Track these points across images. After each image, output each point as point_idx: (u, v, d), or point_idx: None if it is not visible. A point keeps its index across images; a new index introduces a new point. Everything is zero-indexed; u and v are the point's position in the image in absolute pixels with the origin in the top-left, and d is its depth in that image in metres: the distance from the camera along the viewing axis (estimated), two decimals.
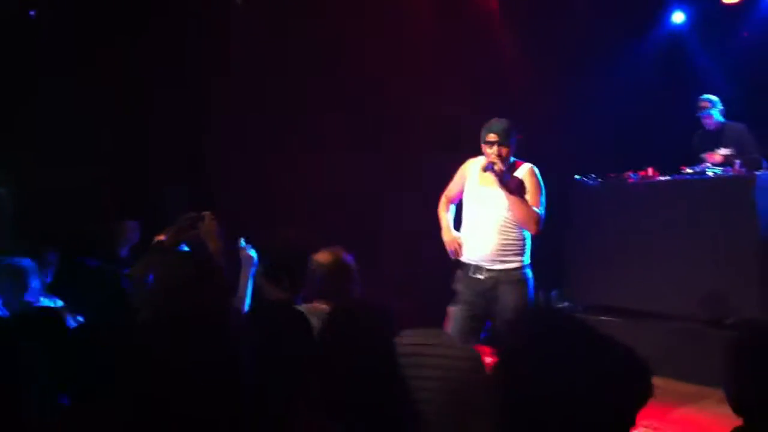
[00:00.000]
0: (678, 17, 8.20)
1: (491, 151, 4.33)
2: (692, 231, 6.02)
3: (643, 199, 6.52)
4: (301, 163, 7.10)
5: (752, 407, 1.93)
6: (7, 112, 6.47)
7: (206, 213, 3.42)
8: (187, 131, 7.10)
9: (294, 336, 2.05)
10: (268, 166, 7.11)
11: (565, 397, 1.26)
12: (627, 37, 7.95)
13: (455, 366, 2.49)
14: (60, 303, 4.25)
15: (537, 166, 4.46)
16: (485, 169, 4.32)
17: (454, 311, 4.44)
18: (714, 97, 6.60)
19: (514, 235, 4.38)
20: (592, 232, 6.79)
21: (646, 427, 4.52)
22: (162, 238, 3.48)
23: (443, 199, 4.68)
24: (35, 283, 4.12)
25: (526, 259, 4.44)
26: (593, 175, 6.92)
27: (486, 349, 2.80)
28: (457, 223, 4.64)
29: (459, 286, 4.48)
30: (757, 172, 5.93)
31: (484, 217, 4.42)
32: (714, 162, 6.39)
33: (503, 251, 4.38)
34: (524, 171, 4.40)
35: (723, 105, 6.60)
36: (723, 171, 6.15)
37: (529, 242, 4.44)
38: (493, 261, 4.38)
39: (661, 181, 6.46)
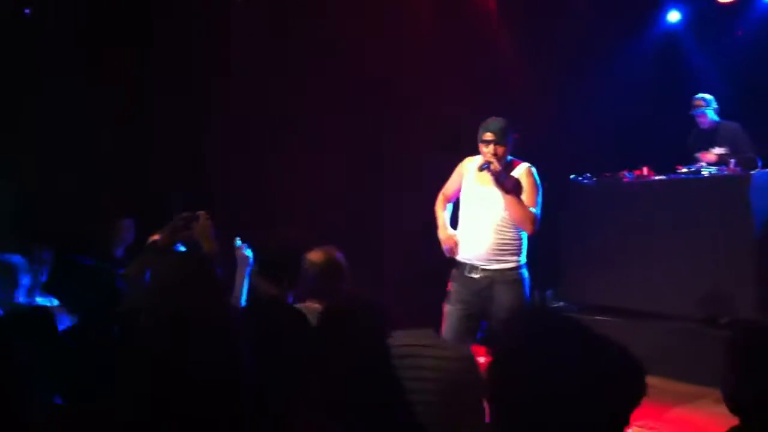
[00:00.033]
0: (673, 16, 8.21)
1: (487, 150, 4.32)
2: (688, 230, 6.03)
3: (638, 198, 6.53)
4: (301, 163, 7.11)
5: (749, 407, 1.93)
6: (6, 111, 6.47)
7: (201, 213, 3.40)
8: (187, 131, 7.11)
9: (292, 333, 2.05)
10: (268, 166, 7.13)
11: (559, 397, 1.25)
12: (622, 36, 7.96)
13: (447, 366, 2.49)
14: (56, 302, 4.23)
15: (533, 166, 4.46)
16: (481, 168, 4.30)
17: (449, 310, 4.43)
18: (709, 96, 6.61)
19: (510, 234, 4.37)
20: (588, 232, 6.79)
21: (641, 426, 4.53)
22: (156, 237, 3.48)
23: (440, 197, 4.67)
24: (25, 281, 4.11)
25: (522, 258, 4.42)
26: (588, 175, 6.92)
27: (482, 348, 2.80)
28: (455, 222, 4.63)
29: (454, 285, 4.47)
30: (752, 172, 5.94)
31: (480, 216, 4.41)
32: (708, 161, 6.40)
33: (499, 251, 4.37)
34: (521, 170, 4.39)
35: (718, 104, 6.61)
36: (718, 170, 6.15)
37: (525, 242, 4.43)
38: (489, 261, 4.37)
39: (657, 180, 6.47)
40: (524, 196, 4.33)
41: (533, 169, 4.43)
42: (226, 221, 3.56)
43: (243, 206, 6.67)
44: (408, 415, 2.13)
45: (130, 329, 2.38)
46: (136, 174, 6.96)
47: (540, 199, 4.38)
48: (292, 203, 6.92)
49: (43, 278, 5.24)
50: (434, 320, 4.35)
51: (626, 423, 1.31)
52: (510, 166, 4.40)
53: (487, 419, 1.63)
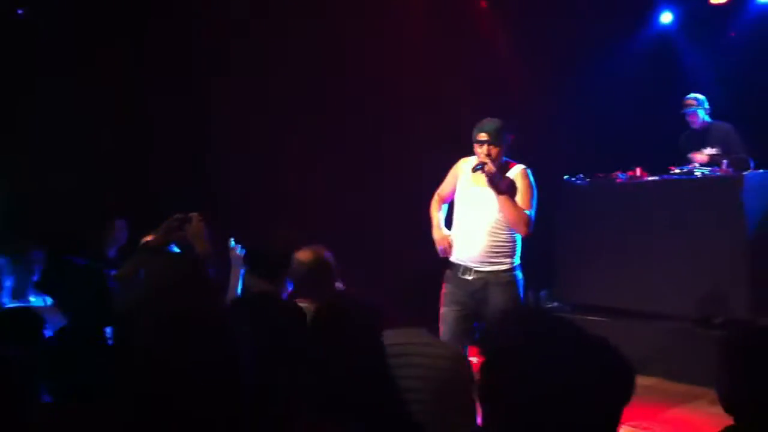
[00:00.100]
0: (666, 17, 8.23)
1: (481, 151, 4.30)
2: (681, 231, 6.04)
3: (631, 199, 6.54)
4: (300, 163, 7.11)
5: (744, 406, 1.93)
6: (3, 111, 6.45)
7: (193, 214, 3.40)
8: (186, 131, 7.11)
9: (289, 327, 2.05)
10: (267, 166, 7.12)
11: (551, 398, 1.25)
12: (615, 37, 7.97)
13: (439, 365, 2.49)
14: (50, 301, 4.22)
15: (527, 166, 4.44)
16: (475, 169, 4.28)
17: (445, 312, 4.39)
18: (701, 96, 6.62)
19: (504, 236, 4.35)
20: (581, 232, 6.80)
21: (636, 427, 4.53)
22: (150, 238, 3.47)
23: (435, 198, 4.64)
24: (7, 283, 4.10)
25: (516, 260, 4.40)
26: (582, 175, 6.92)
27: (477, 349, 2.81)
28: (451, 223, 4.62)
29: (448, 287, 4.44)
30: (745, 173, 5.95)
31: (474, 217, 4.39)
32: (700, 162, 6.41)
33: (493, 253, 4.35)
34: (516, 172, 4.38)
35: (711, 105, 6.62)
36: (711, 171, 6.16)
37: (519, 244, 4.41)
38: (483, 262, 4.35)
39: (649, 181, 6.47)
40: (519, 198, 4.31)
41: (528, 171, 4.41)
42: (225, 221, 3.55)
43: (243, 206, 6.67)
44: (403, 413, 2.13)
45: (127, 330, 2.38)
46: (133, 174, 6.96)
47: (534, 201, 4.36)
48: (292, 203, 6.92)
49: (35, 278, 5.24)
50: (429, 321, 4.34)
51: (618, 422, 1.31)
52: (505, 167, 4.38)
53: (479, 419, 1.62)
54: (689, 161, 6.50)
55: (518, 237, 4.39)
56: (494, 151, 4.29)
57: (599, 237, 6.61)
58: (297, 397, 1.87)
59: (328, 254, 3.28)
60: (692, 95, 6.64)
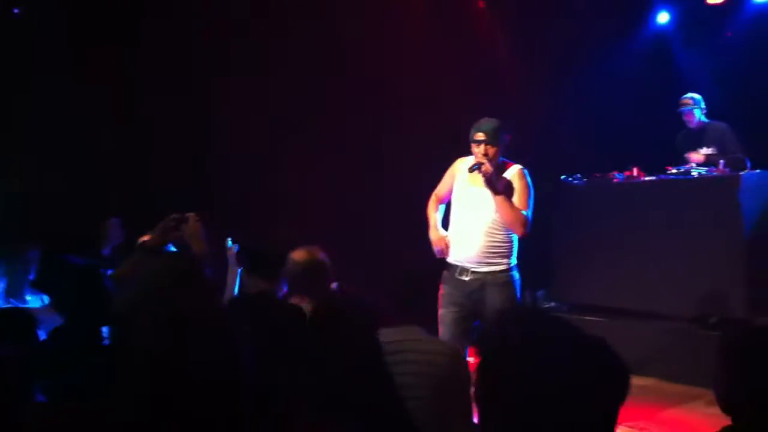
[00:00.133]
0: (663, 17, 8.24)
1: (478, 150, 4.30)
2: (678, 231, 6.04)
3: (628, 199, 6.55)
4: (300, 163, 7.11)
5: (741, 406, 1.93)
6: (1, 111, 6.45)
7: (190, 214, 3.39)
8: (186, 131, 7.10)
9: (287, 326, 2.04)
10: (267, 166, 7.12)
11: (547, 398, 1.25)
12: (612, 37, 7.98)
13: (436, 361, 2.50)
14: (47, 300, 4.22)
15: (524, 166, 4.44)
16: (471, 169, 4.25)
17: (443, 314, 4.39)
18: (697, 96, 6.63)
19: (501, 237, 4.34)
20: (578, 232, 6.81)
21: (632, 427, 4.54)
22: (147, 238, 3.46)
23: (433, 198, 4.62)
24: (2, 283, 4.10)
25: (513, 260, 4.39)
26: (579, 175, 6.93)
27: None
28: (448, 224, 4.61)
29: (446, 288, 4.43)
30: (742, 173, 5.95)
31: (471, 218, 4.38)
32: (696, 161, 6.42)
33: (490, 253, 4.34)
34: (513, 172, 4.37)
35: (707, 104, 6.63)
36: (708, 171, 6.17)
37: (516, 244, 4.40)
38: (479, 263, 4.34)
39: (646, 181, 6.48)
40: (515, 198, 4.30)
41: (525, 171, 4.40)
42: (223, 221, 3.55)
43: (242, 206, 6.67)
44: (402, 412, 2.13)
45: (124, 329, 2.37)
46: (132, 174, 6.95)
47: (532, 202, 4.35)
48: (292, 203, 6.92)
49: (31, 276, 5.24)
50: (429, 321, 4.33)
51: (615, 422, 1.31)
52: (502, 168, 4.37)
53: (475, 418, 1.63)
54: (686, 161, 6.51)
55: (515, 237, 4.38)
56: (491, 150, 4.28)
57: (596, 237, 6.62)
58: (297, 397, 1.87)
59: (322, 254, 3.28)
60: (689, 95, 6.64)
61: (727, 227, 5.82)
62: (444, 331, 4.32)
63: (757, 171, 6.05)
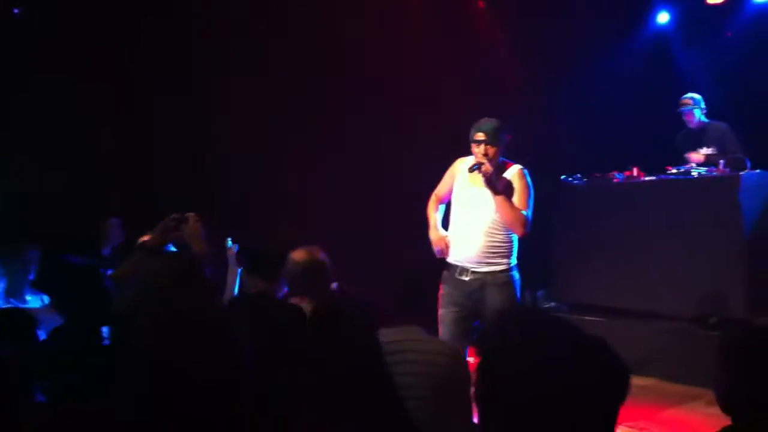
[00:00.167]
0: (663, 17, 8.24)
1: (478, 150, 4.29)
2: (678, 231, 6.04)
3: (628, 199, 6.55)
4: (300, 163, 7.11)
5: (742, 406, 1.93)
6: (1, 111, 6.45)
7: (190, 214, 3.39)
8: (186, 131, 7.10)
9: (288, 326, 2.04)
10: (267, 166, 7.12)
11: (547, 398, 1.25)
12: (612, 37, 7.98)
13: (436, 360, 2.50)
14: (47, 300, 4.22)
15: (524, 166, 4.43)
16: (471, 169, 4.25)
17: (443, 314, 4.39)
18: (697, 96, 6.63)
19: (501, 237, 4.34)
20: (578, 232, 6.81)
21: (632, 427, 4.54)
22: (147, 238, 3.46)
23: (433, 198, 4.62)
24: (2, 283, 4.10)
25: (513, 260, 4.39)
26: (579, 175, 6.93)
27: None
28: (449, 223, 4.61)
29: (446, 288, 4.42)
30: (742, 173, 5.95)
31: (470, 218, 4.37)
32: (696, 162, 6.42)
33: (489, 253, 4.33)
34: (513, 172, 4.36)
35: (707, 104, 6.63)
36: (708, 171, 6.17)
37: (516, 244, 4.40)
38: (479, 263, 4.34)
39: (647, 181, 6.48)
40: (515, 198, 4.30)
41: (525, 171, 4.40)
42: (223, 221, 3.55)
43: (242, 206, 6.68)
44: (403, 412, 2.13)
45: (124, 329, 2.37)
46: (132, 174, 6.95)
47: (531, 202, 4.35)
48: (292, 203, 6.92)
49: (31, 276, 5.24)
50: (429, 321, 4.33)
51: (615, 422, 1.31)
52: (502, 168, 4.36)
53: (475, 418, 1.63)
54: (686, 161, 6.51)
55: (515, 237, 4.38)
56: (491, 150, 4.28)
57: (596, 237, 6.62)
58: (297, 397, 1.87)
59: (322, 254, 3.28)
60: (688, 95, 6.65)
61: (727, 227, 5.82)
62: (444, 331, 4.32)
63: (757, 171, 6.05)
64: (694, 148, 6.55)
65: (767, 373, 1.92)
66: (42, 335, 2.92)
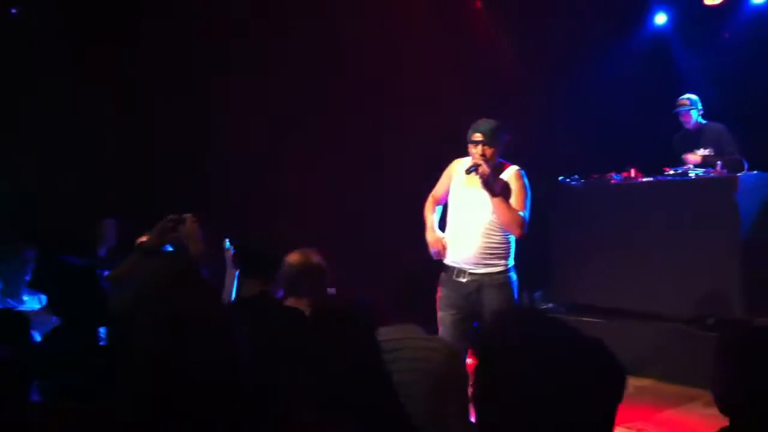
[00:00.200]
0: (660, 18, 8.25)
1: (476, 151, 4.29)
2: (676, 232, 6.05)
3: (626, 200, 6.55)
4: (300, 163, 7.11)
5: (740, 407, 1.94)
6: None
7: (187, 215, 3.39)
8: (186, 131, 7.10)
9: (287, 326, 2.05)
10: (267, 166, 7.12)
11: (545, 398, 1.26)
12: (610, 38, 7.99)
13: (434, 358, 2.51)
14: (44, 300, 4.22)
15: (521, 167, 4.43)
16: (468, 170, 4.25)
17: (442, 316, 4.39)
18: (694, 97, 6.64)
19: (498, 238, 4.34)
20: (576, 233, 6.81)
21: (630, 428, 4.54)
22: (144, 239, 3.46)
23: (429, 199, 4.62)
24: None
25: (510, 262, 4.40)
26: (577, 176, 6.93)
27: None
28: (445, 225, 4.61)
29: (443, 290, 4.42)
30: (739, 174, 5.96)
31: (467, 219, 4.37)
32: (693, 163, 6.43)
33: (487, 254, 4.34)
34: (510, 173, 4.37)
35: (705, 106, 6.64)
36: (705, 172, 6.18)
37: (513, 245, 4.40)
38: (477, 264, 4.34)
39: (644, 182, 6.48)
40: (513, 199, 4.30)
41: (522, 172, 4.40)
42: (222, 221, 3.54)
43: (242, 206, 6.67)
44: (402, 411, 2.14)
45: (121, 330, 2.37)
46: (131, 174, 6.94)
47: (529, 203, 4.35)
48: (292, 203, 6.92)
49: (28, 277, 5.24)
50: (429, 321, 4.34)
51: (612, 423, 1.32)
52: (499, 169, 4.36)
53: (472, 417, 1.63)
54: (683, 162, 6.51)
55: (512, 238, 4.38)
56: (489, 151, 4.28)
57: (594, 238, 6.62)
58: (297, 397, 1.87)
59: (318, 257, 3.27)
60: (686, 96, 6.65)
61: (724, 228, 5.83)
62: (444, 333, 4.32)
63: (755, 172, 6.05)
64: (692, 149, 6.56)
65: (765, 373, 1.92)
66: (37, 336, 2.93)
